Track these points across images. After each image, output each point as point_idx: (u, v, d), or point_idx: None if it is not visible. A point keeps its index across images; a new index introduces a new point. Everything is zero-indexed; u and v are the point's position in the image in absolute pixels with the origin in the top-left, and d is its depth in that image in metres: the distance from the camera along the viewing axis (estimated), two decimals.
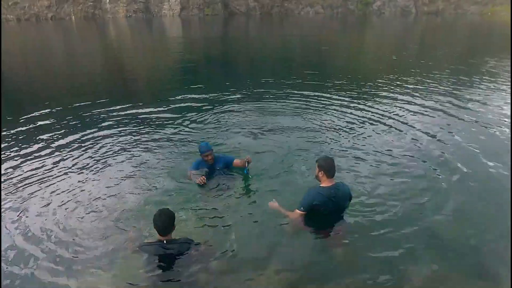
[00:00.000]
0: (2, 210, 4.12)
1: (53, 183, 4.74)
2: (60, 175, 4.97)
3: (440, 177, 4.82)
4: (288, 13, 60.85)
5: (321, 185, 3.75)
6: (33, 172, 5.05)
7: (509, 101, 8.25)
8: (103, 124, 7.00)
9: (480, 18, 46.74)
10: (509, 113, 7.44)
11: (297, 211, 3.73)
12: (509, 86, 9.78)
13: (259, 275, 3.19)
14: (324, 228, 3.84)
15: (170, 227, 3.18)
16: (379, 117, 7.26)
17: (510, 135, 6.19)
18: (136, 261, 3.23)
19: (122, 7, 56.43)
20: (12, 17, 50.06)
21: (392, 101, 8.59)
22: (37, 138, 6.33)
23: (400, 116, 7.39)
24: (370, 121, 7.02)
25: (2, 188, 4.60)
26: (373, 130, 6.54)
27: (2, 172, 5.04)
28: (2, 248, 3.48)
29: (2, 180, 4.80)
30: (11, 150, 5.83)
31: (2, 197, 4.39)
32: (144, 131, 6.63)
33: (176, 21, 46.87)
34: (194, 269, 3.17)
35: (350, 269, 3.30)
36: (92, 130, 6.65)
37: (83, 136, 6.40)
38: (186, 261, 3.17)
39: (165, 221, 3.12)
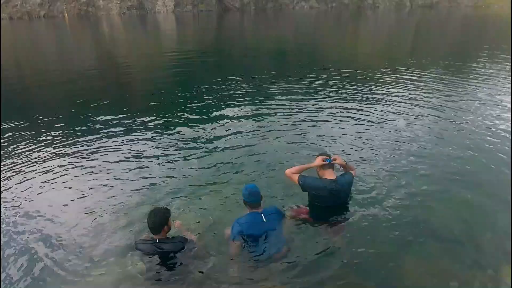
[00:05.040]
0: (1, 210, 4.16)
1: (47, 182, 4.77)
2: (54, 174, 4.98)
3: (438, 170, 4.86)
4: (283, 8, 60.74)
5: (324, 176, 3.80)
6: (27, 171, 5.05)
7: (509, 97, 8.17)
8: (98, 125, 6.99)
9: (474, 11, 46.86)
10: (508, 108, 7.42)
11: (297, 178, 3.81)
12: (509, 81, 9.74)
13: (255, 274, 3.16)
14: (324, 222, 3.79)
15: (161, 226, 3.13)
16: (376, 113, 7.28)
17: (510, 131, 6.11)
18: (129, 258, 3.28)
19: (116, 4, 56.04)
20: (4, 15, 49.51)
21: (388, 95, 8.62)
22: (30, 137, 6.32)
23: (398, 111, 7.43)
24: (366, 118, 7.03)
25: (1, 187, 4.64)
26: (369, 126, 6.55)
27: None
28: (2, 248, 3.52)
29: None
30: (4, 149, 5.84)
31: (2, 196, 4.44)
32: (140, 131, 6.64)
33: (170, 18, 46.57)
34: (187, 268, 3.16)
35: (348, 261, 3.30)
36: (88, 130, 6.66)
37: (80, 135, 6.40)
38: (179, 260, 3.16)
39: (156, 220, 3.09)
